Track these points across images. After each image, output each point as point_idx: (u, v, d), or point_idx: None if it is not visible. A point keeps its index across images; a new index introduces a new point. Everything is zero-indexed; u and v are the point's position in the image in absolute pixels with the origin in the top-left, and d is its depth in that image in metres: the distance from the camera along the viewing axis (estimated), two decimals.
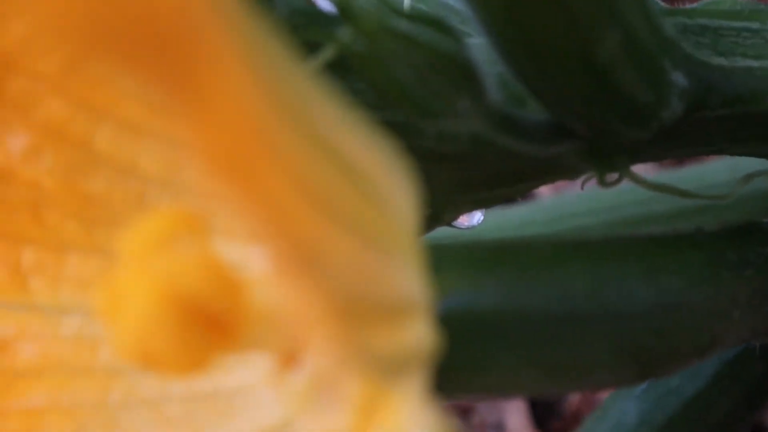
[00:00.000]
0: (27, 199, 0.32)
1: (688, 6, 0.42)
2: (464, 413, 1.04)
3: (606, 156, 0.38)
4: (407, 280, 0.25)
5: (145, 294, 0.24)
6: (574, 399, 1.01)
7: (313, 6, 0.33)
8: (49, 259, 0.33)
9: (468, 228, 0.46)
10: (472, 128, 0.33)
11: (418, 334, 0.25)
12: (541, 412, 1.01)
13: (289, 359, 0.27)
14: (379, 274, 0.23)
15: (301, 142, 0.20)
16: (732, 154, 0.44)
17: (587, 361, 0.31)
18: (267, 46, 0.20)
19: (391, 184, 0.25)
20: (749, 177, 0.42)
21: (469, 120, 0.33)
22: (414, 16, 0.32)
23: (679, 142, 0.41)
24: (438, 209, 0.44)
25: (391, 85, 0.31)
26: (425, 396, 0.25)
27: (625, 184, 0.40)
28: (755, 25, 0.42)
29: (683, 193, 0.40)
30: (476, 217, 0.45)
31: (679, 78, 0.36)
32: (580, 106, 0.34)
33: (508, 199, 0.45)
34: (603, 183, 0.40)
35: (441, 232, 0.46)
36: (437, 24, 0.31)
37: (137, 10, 0.15)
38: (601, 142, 0.37)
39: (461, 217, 0.46)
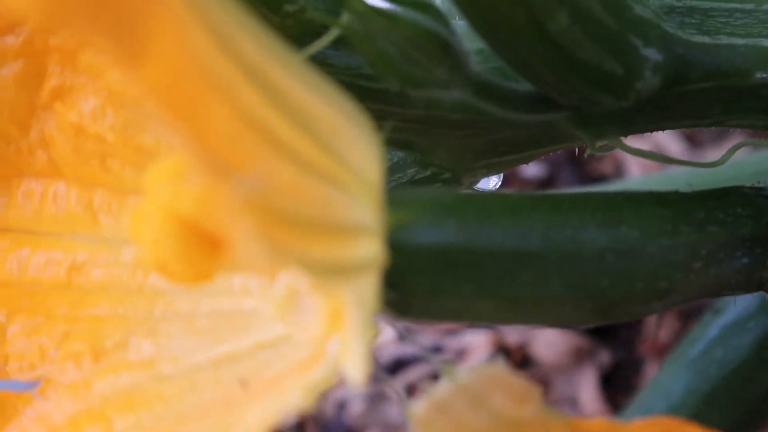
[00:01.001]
0: (95, 151, 0.40)
1: None
2: (541, 390, 1.08)
3: (594, 124, 0.43)
4: (356, 208, 0.31)
5: (157, 217, 0.31)
6: (648, 373, 1.04)
7: None
8: (114, 200, 0.41)
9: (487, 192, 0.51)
10: (455, 96, 0.39)
11: (367, 252, 0.31)
12: (612, 389, 1.05)
13: (271, 277, 0.33)
14: (322, 199, 0.29)
15: (250, 87, 0.27)
16: (731, 126, 0.47)
17: (541, 296, 0.36)
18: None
19: (345, 132, 0.31)
20: (739, 145, 0.46)
21: (450, 89, 0.38)
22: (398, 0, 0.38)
23: (671, 113, 0.45)
24: (456, 173, 0.49)
25: (378, 58, 0.37)
26: (375, 306, 0.32)
27: None
28: (749, 6, 0.45)
29: (669, 160, 0.44)
30: (492, 181, 0.50)
31: (652, 53, 0.40)
32: (547, 75, 0.38)
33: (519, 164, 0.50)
34: (594, 149, 0.44)
35: None
36: (421, 5, 0.37)
37: None
38: (587, 111, 0.42)
39: (482, 182, 0.51)
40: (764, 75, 0.44)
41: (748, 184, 0.44)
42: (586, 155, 0.47)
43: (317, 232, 0.28)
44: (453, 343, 1.23)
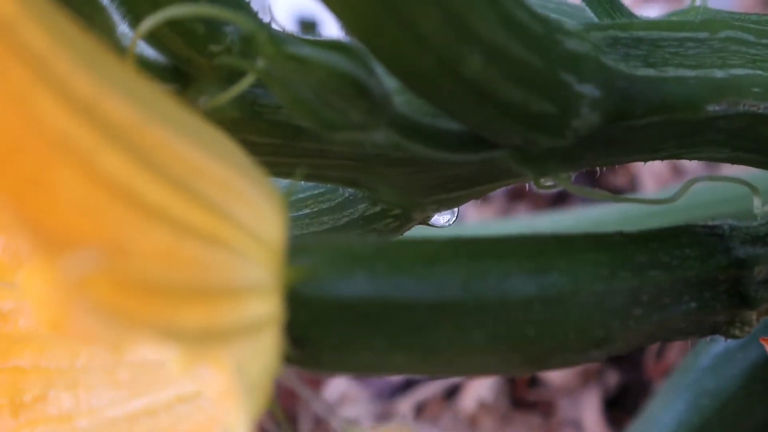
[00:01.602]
0: None
1: (624, 20, 0.44)
2: (546, 411, 1.06)
3: (537, 162, 0.41)
4: (247, 268, 0.29)
5: (41, 276, 0.30)
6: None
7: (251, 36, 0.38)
8: None
9: (442, 226, 0.50)
10: (379, 138, 0.37)
11: (261, 312, 0.30)
12: (620, 411, 1.02)
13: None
14: (202, 261, 0.28)
15: (113, 150, 0.26)
16: (689, 159, 0.45)
17: (462, 348, 0.35)
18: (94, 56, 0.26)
19: (237, 189, 0.30)
20: (692, 181, 0.43)
21: (372, 131, 0.37)
22: (317, 42, 0.36)
23: (620, 148, 0.43)
24: (406, 209, 0.48)
25: (293, 102, 0.36)
26: (271, 367, 0.30)
27: None
28: (703, 35, 0.43)
29: (616, 198, 0.42)
30: (446, 216, 0.49)
31: (588, 89, 0.38)
32: (472, 118, 0.37)
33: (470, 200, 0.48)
34: (539, 186, 0.43)
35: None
36: (336, 46, 0.36)
37: None
38: (527, 149, 0.40)
39: (435, 217, 0.50)
40: (716, 108, 0.41)
41: (701, 222, 0.42)
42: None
43: (194, 296, 0.27)
44: None
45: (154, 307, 0.26)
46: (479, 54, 0.33)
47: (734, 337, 0.41)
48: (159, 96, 0.30)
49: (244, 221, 0.30)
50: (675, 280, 0.38)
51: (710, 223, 0.42)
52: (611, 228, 0.48)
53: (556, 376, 1.10)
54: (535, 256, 0.36)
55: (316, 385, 1.28)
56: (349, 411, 1.25)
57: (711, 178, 0.44)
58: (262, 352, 0.30)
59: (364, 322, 0.33)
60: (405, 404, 1.24)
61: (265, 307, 0.30)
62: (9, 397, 0.38)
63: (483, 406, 1.08)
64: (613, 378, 1.05)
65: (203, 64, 0.40)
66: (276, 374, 0.31)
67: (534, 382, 1.12)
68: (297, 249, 0.34)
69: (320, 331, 0.33)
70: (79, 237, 0.24)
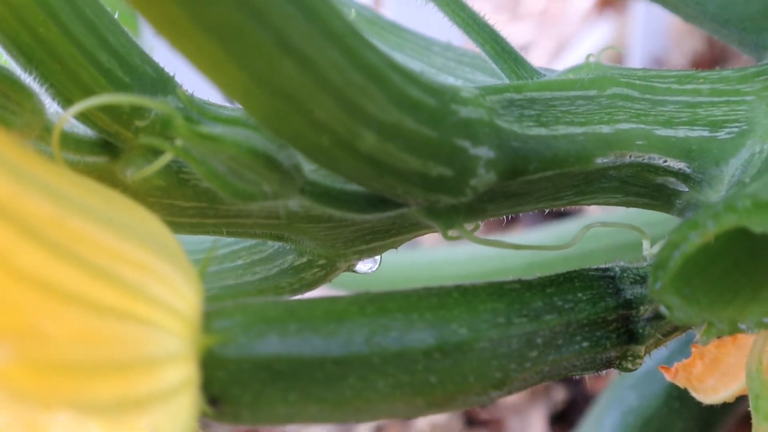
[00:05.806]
0: None
1: (519, 82, 0.48)
2: (497, 429, 1.10)
3: (445, 215, 0.45)
4: (162, 340, 0.33)
5: None
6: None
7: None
8: None
9: (366, 273, 0.53)
10: (288, 205, 0.41)
11: (177, 378, 0.33)
12: (567, 425, 1.06)
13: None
14: (118, 337, 0.31)
15: (29, 246, 0.29)
16: (587, 204, 0.49)
17: (369, 397, 0.38)
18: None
19: (152, 266, 0.33)
20: (588, 227, 0.47)
21: (285, 199, 0.40)
22: (231, 118, 0.40)
23: (521, 199, 0.47)
24: (330, 259, 0.51)
25: (209, 175, 0.39)
26: (189, 426, 0.33)
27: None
28: (592, 93, 0.47)
29: (515, 247, 0.46)
30: (368, 264, 0.52)
31: (483, 151, 0.42)
32: (374, 185, 0.40)
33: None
34: (447, 238, 0.46)
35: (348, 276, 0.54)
36: (250, 124, 0.39)
37: None
38: (432, 206, 0.44)
39: (359, 264, 0.53)
40: (605, 160, 0.45)
41: (594, 266, 0.45)
42: None
43: (109, 370, 0.30)
44: None
45: (69, 385, 0.29)
46: (372, 132, 0.36)
47: (627, 370, 0.45)
48: (79, 187, 0.33)
49: (159, 297, 0.33)
50: (568, 323, 0.42)
51: (603, 266, 0.46)
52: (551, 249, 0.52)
53: None
54: (437, 309, 0.40)
55: None
56: None
57: (604, 224, 0.48)
58: (179, 414, 0.33)
59: (277, 378, 0.37)
60: (364, 426, 1.27)
61: (180, 373, 0.33)
62: None
63: (437, 427, 1.12)
64: (560, 394, 1.09)
65: (130, 138, 0.43)
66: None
67: None
68: (215, 314, 0.37)
69: (237, 389, 0.36)
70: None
